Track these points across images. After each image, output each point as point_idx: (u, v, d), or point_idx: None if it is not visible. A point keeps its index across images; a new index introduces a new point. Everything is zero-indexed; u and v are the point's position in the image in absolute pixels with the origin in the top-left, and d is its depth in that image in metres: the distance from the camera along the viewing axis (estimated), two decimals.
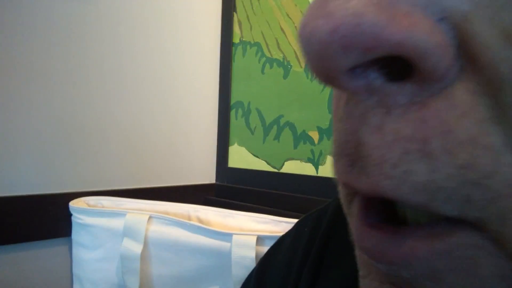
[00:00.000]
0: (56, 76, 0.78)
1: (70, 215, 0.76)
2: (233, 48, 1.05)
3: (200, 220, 0.74)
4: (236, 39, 1.05)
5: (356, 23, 0.10)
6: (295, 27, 0.88)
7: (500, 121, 0.10)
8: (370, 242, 0.12)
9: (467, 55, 0.10)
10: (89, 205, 0.77)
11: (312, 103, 0.84)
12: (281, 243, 0.32)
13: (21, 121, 0.74)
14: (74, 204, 0.76)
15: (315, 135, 0.83)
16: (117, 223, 0.71)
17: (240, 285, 0.62)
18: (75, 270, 0.77)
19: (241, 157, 1.02)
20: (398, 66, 0.11)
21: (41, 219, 0.75)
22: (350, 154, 0.12)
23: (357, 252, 0.15)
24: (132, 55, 0.89)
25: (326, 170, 0.81)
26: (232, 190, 1.01)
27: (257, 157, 0.97)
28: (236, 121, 1.04)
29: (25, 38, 0.73)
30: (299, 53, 0.87)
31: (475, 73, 0.10)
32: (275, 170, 0.92)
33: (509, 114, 0.10)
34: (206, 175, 1.06)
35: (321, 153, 0.82)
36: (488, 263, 0.11)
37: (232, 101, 1.05)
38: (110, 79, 0.86)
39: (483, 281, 0.11)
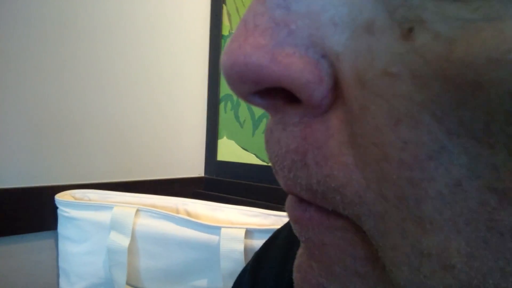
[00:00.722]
0: (43, 69, 0.76)
1: (56, 208, 0.75)
2: (223, 40, 1.05)
3: (188, 213, 0.74)
4: (225, 31, 1.04)
5: (246, 62, 0.12)
6: None
7: (353, 145, 0.12)
8: (289, 203, 0.16)
9: (338, 89, 0.12)
10: (75, 198, 0.76)
11: None
12: (276, 238, 0.32)
13: (7, 114, 0.72)
14: (60, 197, 0.75)
15: None
16: (104, 216, 0.70)
17: (229, 278, 0.63)
18: (61, 263, 0.76)
19: (230, 151, 1.01)
20: None
21: (27, 212, 0.74)
22: (271, 160, 0.15)
23: None
24: (119, 48, 0.88)
25: None
26: (221, 183, 1.01)
27: (246, 150, 0.97)
28: (225, 114, 1.03)
29: (15, 33, 0.72)
30: None
31: (342, 104, 0.12)
32: (265, 164, 0.92)
33: (358, 141, 0.12)
34: (195, 168, 1.05)
35: None
36: (358, 247, 0.13)
37: (221, 94, 1.05)
38: (97, 73, 0.84)
39: (354, 260, 0.14)
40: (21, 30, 0.73)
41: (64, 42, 0.79)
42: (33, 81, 0.75)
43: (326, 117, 0.13)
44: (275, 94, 0.14)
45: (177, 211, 0.74)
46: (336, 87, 0.12)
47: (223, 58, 0.13)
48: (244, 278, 0.32)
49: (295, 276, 0.17)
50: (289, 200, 0.16)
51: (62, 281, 0.76)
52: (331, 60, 0.12)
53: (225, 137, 1.03)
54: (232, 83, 0.14)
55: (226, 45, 0.14)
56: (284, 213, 0.69)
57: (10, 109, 0.73)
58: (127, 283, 0.68)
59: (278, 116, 0.14)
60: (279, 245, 0.31)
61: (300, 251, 0.17)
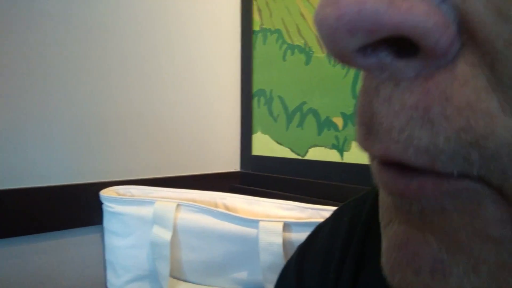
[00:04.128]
0: (87, 69, 0.80)
1: (101, 203, 0.79)
2: (254, 35, 1.05)
3: (226, 208, 0.75)
4: (256, 27, 1.04)
5: (358, 9, 0.11)
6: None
7: (495, 89, 0.11)
8: (386, 176, 0.14)
9: (467, 32, 0.11)
10: (118, 194, 0.80)
11: (335, 89, 0.84)
12: (319, 232, 0.33)
13: (54, 115, 0.76)
14: (104, 193, 0.78)
15: (339, 121, 0.83)
16: (146, 211, 0.73)
17: (268, 270, 0.64)
18: (108, 256, 0.80)
19: (264, 145, 1.02)
20: (407, 43, 0.12)
21: (74, 207, 0.78)
22: (366, 123, 0.14)
23: (380, 204, 0.16)
24: (154, 47, 0.90)
25: (352, 156, 0.80)
26: (257, 177, 1.02)
27: (281, 144, 0.98)
28: (258, 109, 1.04)
29: (62, 35, 0.75)
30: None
31: (474, 48, 0.11)
32: (299, 157, 0.92)
33: (503, 82, 0.11)
34: (231, 163, 1.07)
35: (346, 139, 0.82)
36: (491, 209, 0.12)
37: (254, 89, 1.05)
38: (135, 72, 0.87)
39: (486, 223, 0.12)
40: (66, 32, 0.77)
41: (108, 43, 0.82)
42: (77, 81, 0.79)
43: (453, 66, 0.12)
44: (379, 51, 0.12)
45: (216, 205, 0.76)
46: (462, 32, 0.11)
47: (324, 11, 0.12)
48: (289, 271, 0.33)
49: (394, 261, 0.14)
50: (386, 173, 0.14)
51: (109, 273, 0.79)
52: (453, 3, 0.11)
53: (259, 132, 1.04)
54: (336, 39, 0.12)
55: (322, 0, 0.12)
56: (321, 206, 0.69)
57: (56, 109, 0.76)
58: (170, 275, 0.71)
59: (385, 74, 0.13)
60: (323, 239, 0.31)
61: (395, 231, 0.15)
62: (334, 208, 0.67)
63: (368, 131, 0.14)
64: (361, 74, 0.15)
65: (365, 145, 0.14)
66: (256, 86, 1.05)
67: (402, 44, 0.12)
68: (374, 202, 0.29)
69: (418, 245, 0.14)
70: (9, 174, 0.72)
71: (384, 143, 0.13)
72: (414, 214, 0.14)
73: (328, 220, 0.33)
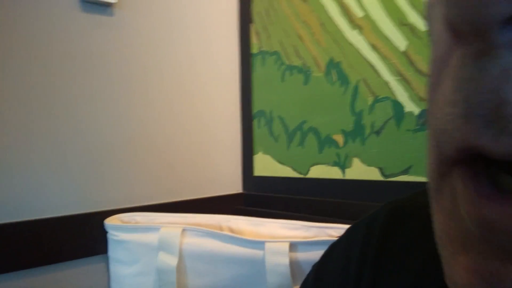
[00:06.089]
0: (84, 98, 0.81)
1: (106, 232, 0.79)
2: (252, 58, 1.07)
3: (231, 230, 0.75)
4: (254, 50, 1.06)
5: None
6: (312, 33, 0.89)
7: None
8: (492, 212, 0.12)
9: None
10: (123, 222, 0.79)
11: (334, 107, 0.84)
12: (333, 251, 0.33)
13: (55, 146, 0.77)
14: (109, 221, 0.78)
15: (339, 139, 0.83)
16: (151, 238, 0.72)
17: None
18: (114, 285, 0.79)
19: (266, 165, 1.03)
20: None
21: (79, 238, 0.78)
22: (486, 115, 0.11)
23: (441, 229, 0.14)
24: (152, 72, 0.92)
25: (353, 172, 0.81)
26: (260, 198, 1.02)
27: (282, 164, 0.98)
28: (259, 130, 1.05)
29: (65, 67, 0.77)
30: (318, 59, 0.88)
31: None
32: (301, 176, 0.93)
33: None
34: (233, 185, 1.07)
35: (347, 156, 0.82)
36: None
37: (254, 110, 1.07)
38: (134, 100, 0.88)
39: None
40: (68, 64, 0.78)
41: (104, 75, 0.84)
42: (75, 113, 0.80)
43: None
44: None
45: (221, 228, 0.76)
46: None
47: None
48: None
49: None
50: (469, 190, 0.12)
51: None
52: None
53: (260, 153, 1.05)
54: (483, 3, 0.10)
55: None
56: (326, 224, 0.69)
57: (56, 142, 0.77)
58: None
59: None
60: (337, 258, 0.31)
61: (472, 263, 0.13)
62: (339, 225, 0.67)
63: (487, 125, 0.11)
64: (436, 63, 0.13)
65: (480, 142, 0.12)
66: (256, 107, 1.06)
67: None
68: (387, 219, 0.29)
69: (505, 276, 0.12)
70: (10, 208, 0.72)
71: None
72: (502, 246, 0.12)
73: (341, 239, 0.33)
